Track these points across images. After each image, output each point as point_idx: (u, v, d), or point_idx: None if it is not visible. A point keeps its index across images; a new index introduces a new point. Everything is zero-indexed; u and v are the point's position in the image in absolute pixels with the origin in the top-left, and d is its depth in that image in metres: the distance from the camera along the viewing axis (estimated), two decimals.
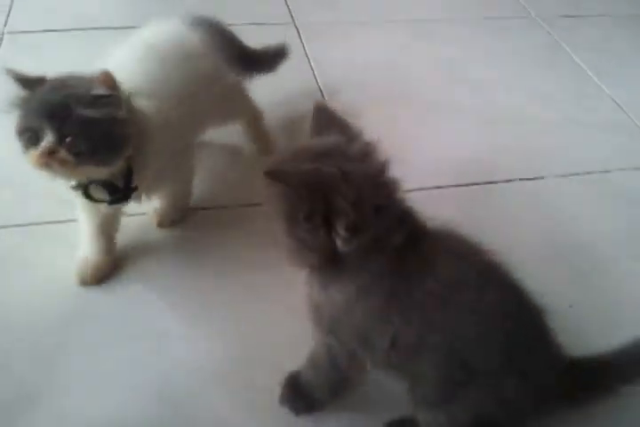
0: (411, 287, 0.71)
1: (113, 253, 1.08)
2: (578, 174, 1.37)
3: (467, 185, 1.31)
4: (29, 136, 0.85)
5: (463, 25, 1.84)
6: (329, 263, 0.71)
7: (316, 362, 0.84)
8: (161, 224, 1.16)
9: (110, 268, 1.07)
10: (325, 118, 0.75)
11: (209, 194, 1.23)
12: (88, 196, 0.95)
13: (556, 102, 1.58)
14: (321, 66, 1.59)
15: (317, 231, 0.68)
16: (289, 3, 1.84)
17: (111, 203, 0.96)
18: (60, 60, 1.49)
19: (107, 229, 1.06)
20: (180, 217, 1.17)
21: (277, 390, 0.90)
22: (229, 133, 1.32)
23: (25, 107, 0.86)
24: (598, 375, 0.83)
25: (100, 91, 0.85)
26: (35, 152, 0.85)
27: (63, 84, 0.87)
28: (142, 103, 0.94)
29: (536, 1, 1.97)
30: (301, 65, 1.59)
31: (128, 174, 0.94)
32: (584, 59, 1.74)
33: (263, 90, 1.30)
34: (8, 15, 1.67)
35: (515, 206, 1.27)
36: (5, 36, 1.59)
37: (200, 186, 1.20)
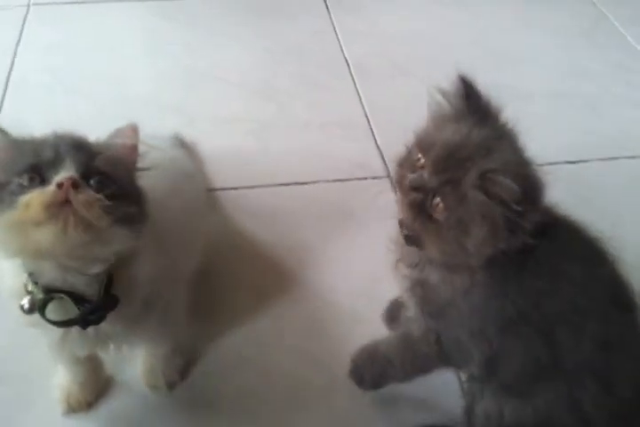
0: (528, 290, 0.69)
1: (101, 369, 0.87)
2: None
3: None
4: (29, 178, 0.60)
5: None
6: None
7: (408, 339, 0.80)
8: (154, 387, 0.88)
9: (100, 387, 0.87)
10: (468, 96, 0.68)
11: None
12: (44, 315, 0.66)
13: (598, 76, 1.49)
14: (347, 36, 1.55)
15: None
16: None
17: (77, 322, 0.67)
18: (85, 33, 1.50)
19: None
20: (178, 374, 0.90)
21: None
22: None
23: (15, 150, 0.64)
24: None
25: (126, 140, 0.67)
26: (43, 191, 0.59)
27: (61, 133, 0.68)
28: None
29: None
30: (327, 35, 1.55)
31: (108, 283, 0.67)
32: (631, 32, 1.63)
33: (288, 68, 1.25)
34: None
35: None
36: (32, 8, 1.57)
37: None
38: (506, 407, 0.75)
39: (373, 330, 0.90)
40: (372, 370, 0.84)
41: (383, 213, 1.08)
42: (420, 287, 0.75)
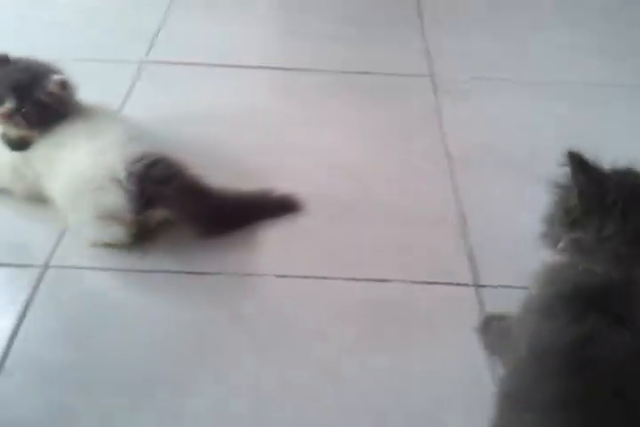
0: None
1: None
2: None
3: None
4: None
5: (618, 91, 1.62)
6: None
7: None
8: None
9: None
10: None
11: None
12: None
13: None
14: (451, 123, 1.48)
15: None
16: (432, 54, 1.73)
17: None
18: (197, 96, 1.53)
19: None
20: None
21: None
22: None
23: None
24: None
25: (54, 89, 1.12)
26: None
27: (27, 66, 1.13)
28: None
29: None
30: (431, 120, 1.48)
31: None
32: None
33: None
34: (152, 45, 1.70)
35: None
36: (145, 65, 1.61)
37: None
38: None
39: None
40: None
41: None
42: None
